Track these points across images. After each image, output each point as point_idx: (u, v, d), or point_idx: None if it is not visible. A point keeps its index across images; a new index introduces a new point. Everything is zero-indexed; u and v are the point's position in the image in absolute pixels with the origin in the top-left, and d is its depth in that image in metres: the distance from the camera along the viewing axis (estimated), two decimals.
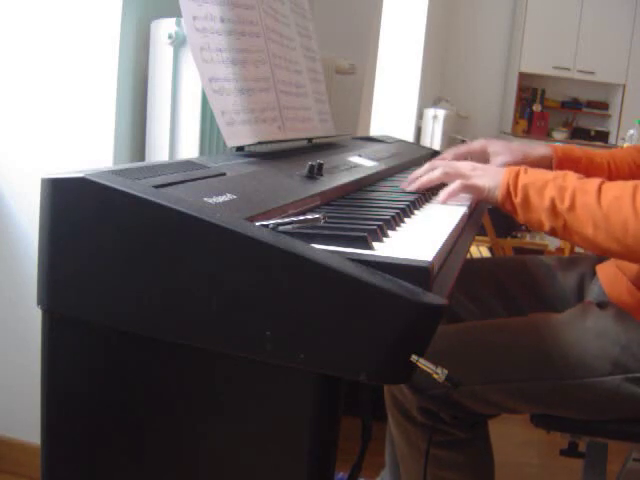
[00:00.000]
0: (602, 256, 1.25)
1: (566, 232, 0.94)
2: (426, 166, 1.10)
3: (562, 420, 1.07)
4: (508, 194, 0.98)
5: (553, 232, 0.96)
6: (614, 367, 0.99)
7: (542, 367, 1.02)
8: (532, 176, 0.98)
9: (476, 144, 1.29)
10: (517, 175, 0.99)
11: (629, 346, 1.00)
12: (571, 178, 0.96)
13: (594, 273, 1.24)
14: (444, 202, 1.03)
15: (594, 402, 1.02)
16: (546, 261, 1.34)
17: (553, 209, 0.94)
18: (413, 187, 1.08)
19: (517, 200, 0.97)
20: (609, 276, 1.15)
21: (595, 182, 0.93)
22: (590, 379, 1.00)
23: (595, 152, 1.29)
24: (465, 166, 1.07)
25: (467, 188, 1.03)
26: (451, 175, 1.05)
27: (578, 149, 1.29)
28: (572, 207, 0.92)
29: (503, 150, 1.24)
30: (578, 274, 1.28)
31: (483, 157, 1.24)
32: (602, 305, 1.08)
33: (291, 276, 0.57)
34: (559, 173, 0.98)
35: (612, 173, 1.25)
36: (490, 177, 1.02)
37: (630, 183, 0.91)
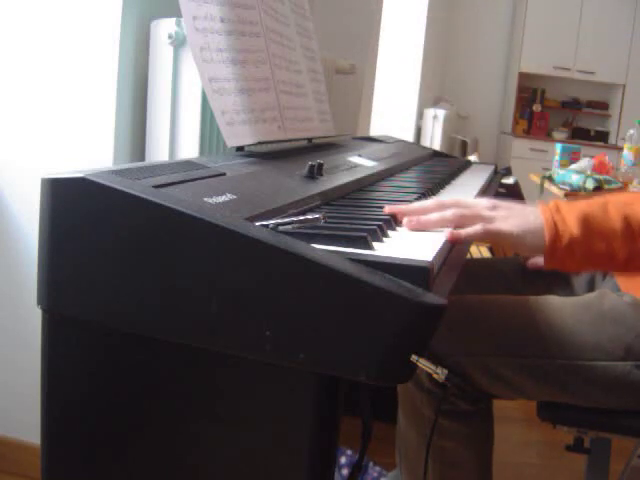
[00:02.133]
0: None
1: None
2: (433, 202, 0.86)
3: (568, 413, 1.08)
4: (557, 233, 0.80)
5: (628, 263, 0.81)
6: (627, 353, 1.00)
7: (556, 345, 1.02)
8: (580, 204, 0.82)
9: None
10: (558, 208, 0.83)
11: None
12: (627, 196, 0.84)
13: (606, 272, 1.25)
14: (460, 242, 0.80)
15: (602, 386, 1.02)
16: None
17: (628, 230, 0.79)
18: (415, 225, 0.81)
19: (575, 234, 0.79)
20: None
21: None
22: (602, 362, 1.00)
23: None
24: (483, 204, 0.85)
25: (489, 234, 0.82)
26: (468, 217, 0.83)
27: None
28: None
29: None
30: (589, 273, 1.29)
31: None
32: (620, 294, 1.09)
33: (291, 276, 0.57)
34: (610, 195, 0.85)
35: None
36: (517, 219, 0.83)
37: None
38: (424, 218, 0.81)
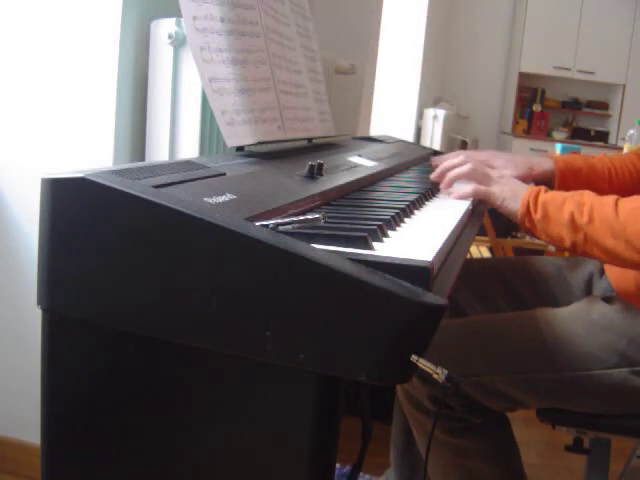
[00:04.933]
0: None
1: (587, 245, 0.97)
2: (459, 159, 1.15)
3: (567, 415, 1.08)
4: (528, 211, 1.02)
5: (574, 247, 0.98)
6: (621, 360, 1.00)
7: (548, 358, 1.03)
8: (550, 194, 1.02)
9: (481, 155, 1.30)
10: (537, 194, 1.02)
11: (636, 339, 1.01)
12: (588, 194, 1.00)
13: (602, 271, 1.25)
14: (454, 197, 1.08)
15: (600, 394, 1.02)
16: (554, 261, 1.35)
17: (572, 223, 0.97)
18: (443, 185, 1.14)
19: (537, 217, 1.01)
20: (618, 271, 1.16)
21: (612, 197, 0.97)
22: (597, 371, 1.01)
23: (595, 159, 1.31)
24: (493, 171, 1.13)
25: (479, 194, 1.07)
26: (476, 174, 1.10)
27: (579, 158, 1.31)
28: (591, 220, 0.95)
29: (508, 164, 1.27)
30: (586, 272, 1.29)
31: None
32: (608, 299, 1.09)
33: (291, 276, 0.57)
34: (576, 192, 1.02)
35: (612, 180, 1.27)
36: (510, 187, 1.07)
37: None
38: (448, 176, 1.12)
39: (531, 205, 1.01)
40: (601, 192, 1.02)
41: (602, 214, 0.95)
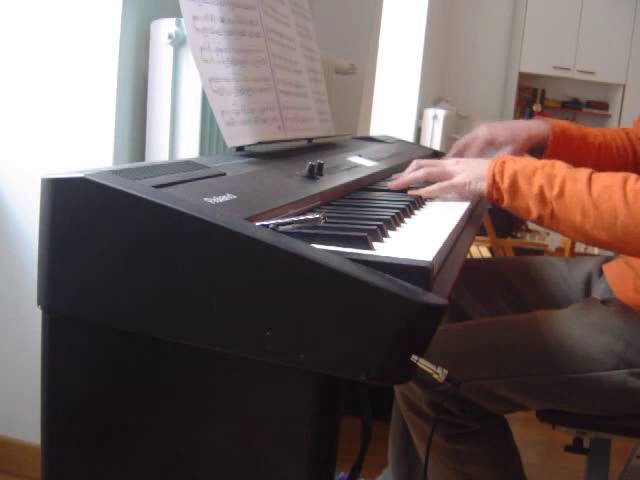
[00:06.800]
0: (609, 255, 1.26)
1: (553, 220, 0.94)
2: (412, 165, 1.11)
3: (567, 415, 1.08)
4: (494, 182, 0.98)
5: (539, 220, 0.96)
6: (619, 362, 1.00)
7: (548, 361, 1.02)
8: (520, 163, 0.98)
9: (480, 135, 1.30)
10: (503, 163, 0.99)
11: (634, 341, 1.01)
12: (560, 166, 0.96)
13: (601, 272, 1.25)
14: (423, 194, 1.05)
15: (600, 396, 1.02)
16: (553, 261, 1.35)
17: (541, 196, 0.94)
18: (396, 184, 1.08)
19: (504, 186, 0.97)
20: (616, 273, 1.15)
21: (585, 171, 0.94)
22: (596, 373, 1.00)
23: (588, 131, 1.31)
24: (449, 162, 1.08)
25: (445, 189, 1.05)
26: (434, 174, 1.06)
27: (575, 128, 1.30)
28: (561, 194, 0.92)
29: (507, 139, 1.26)
30: (585, 273, 1.29)
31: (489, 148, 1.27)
32: (606, 301, 1.09)
33: (291, 276, 0.57)
34: (547, 162, 0.98)
35: (602, 153, 1.27)
36: (472, 170, 1.03)
37: (620, 174, 0.92)
38: (401, 178, 1.08)
39: (497, 176, 0.98)
40: (588, 163, 1.00)
41: (574, 189, 0.92)
